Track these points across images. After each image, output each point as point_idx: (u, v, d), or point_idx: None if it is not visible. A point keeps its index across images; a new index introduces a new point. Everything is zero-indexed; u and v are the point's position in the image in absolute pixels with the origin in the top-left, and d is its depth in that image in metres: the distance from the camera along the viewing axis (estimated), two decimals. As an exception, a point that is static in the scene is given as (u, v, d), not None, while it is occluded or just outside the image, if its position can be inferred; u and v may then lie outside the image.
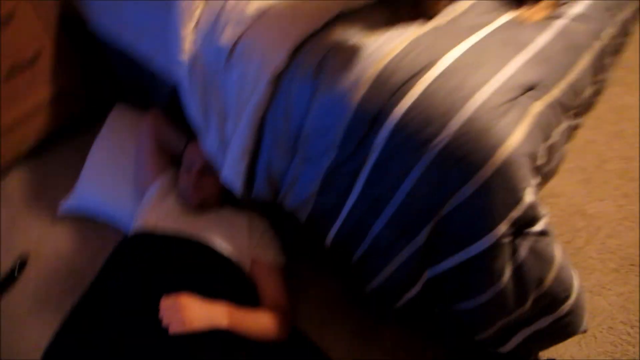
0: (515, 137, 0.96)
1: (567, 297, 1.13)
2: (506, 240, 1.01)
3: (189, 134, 1.51)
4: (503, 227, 0.98)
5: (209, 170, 1.43)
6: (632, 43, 1.87)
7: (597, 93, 1.42)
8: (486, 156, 0.94)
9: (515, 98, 0.99)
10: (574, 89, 1.12)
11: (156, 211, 1.46)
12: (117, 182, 1.66)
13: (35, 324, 1.47)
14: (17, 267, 1.57)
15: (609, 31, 1.29)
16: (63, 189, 1.75)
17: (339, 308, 1.52)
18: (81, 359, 1.15)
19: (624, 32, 1.44)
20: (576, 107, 1.18)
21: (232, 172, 1.31)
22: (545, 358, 1.42)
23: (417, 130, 0.98)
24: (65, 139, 1.91)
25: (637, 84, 2.28)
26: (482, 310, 1.13)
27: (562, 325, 1.21)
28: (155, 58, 1.49)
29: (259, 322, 1.26)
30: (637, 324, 1.56)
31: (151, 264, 1.27)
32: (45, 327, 1.45)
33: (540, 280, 1.09)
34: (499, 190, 0.95)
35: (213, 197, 1.48)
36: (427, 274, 1.19)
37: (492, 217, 0.98)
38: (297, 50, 1.10)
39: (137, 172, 1.63)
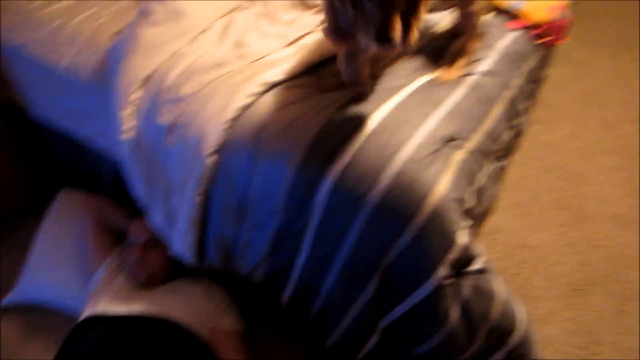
0: (441, 185, 1.04)
1: (513, 330, 1.19)
2: (447, 282, 1.07)
3: (135, 212, 1.52)
4: (442, 271, 1.05)
5: (154, 244, 1.44)
6: (549, 83, 2.07)
7: (517, 135, 1.55)
8: (417, 205, 1.02)
9: (438, 150, 1.08)
10: (491, 136, 1.24)
11: (106, 293, 1.44)
12: (65, 269, 1.63)
13: None
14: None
15: (517, 81, 1.43)
16: (8, 279, 1.69)
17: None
18: None
19: (532, 80, 1.59)
20: (496, 151, 1.29)
21: (182, 244, 1.33)
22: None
23: (353, 187, 1.04)
24: (8, 228, 1.87)
25: (557, 120, 2.49)
26: (437, 353, 1.17)
27: (515, 358, 1.27)
28: (97, 140, 1.53)
29: None
30: (589, 345, 1.63)
31: (106, 348, 1.25)
32: None
33: (485, 316, 1.14)
34: (433, 235, 1.02)
35: (161, 271, 1.48)
36: (382, 323, 1.23)
37: (431, 262, 1.04)
38: (233, 122, 1.16)
39: (83, 258, 1.61)
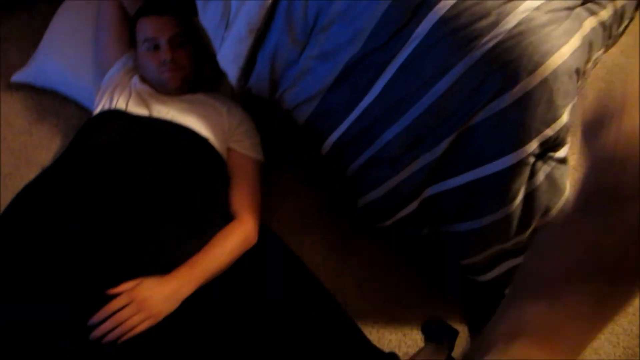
0: (565, 49, 0.88)
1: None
2: (531, 160, 0.96)
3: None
4: (533, 145, 0.93)
5: (181, 41, 1.27)
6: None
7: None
8: (533, 64, 0.87)
9: (574, 8, 0.91)
10: (619, 15, 1.06)
11: (122, 92, 1.29)
12: (80, 56, 1.45)
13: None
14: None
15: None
16: (19, 57, 1.52)
17: (318, 218, 1.45)
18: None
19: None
20: (610, 37, 1.12)
21: (232, 53, 1.16)
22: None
23: (467, 24, 0.87)
24: (25, 5, 1.64)
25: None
26: (482, 234, 1.09)
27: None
28: None
29: (226, 250, 1.10)
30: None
31: (123, 142, 1.13)
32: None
33: (547, 210, 1.06)
34: (540, 103, 0.89)
35: (191, 73, 1.31)
36: (429, 191, 1.13)
37: (526, 133, 0.92)
38: None
39: (99, 49, 1.43)
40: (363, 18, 0.97)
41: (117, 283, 0.93)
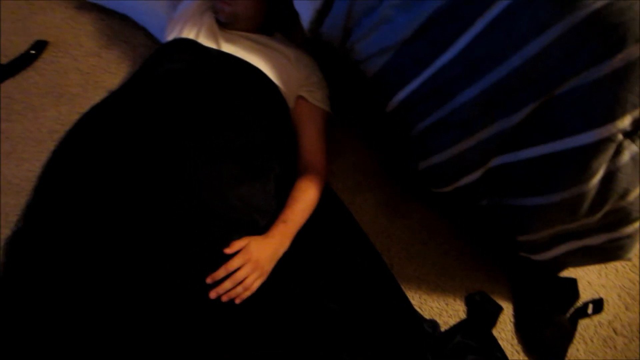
0: (682, 20, 0.80)
1: (637, 218, 1.06)
2: (619, 138, 0.89)
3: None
4: (626, 121, 0.86)
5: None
6: None
7: None
8: (642, 32, 0.79)
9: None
10: None
11: (193, 25, 1.28)
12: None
13: (48, 112, 1.33)
14: (35, 46, 1.39)
15: None
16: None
17: (373, 177, 1.43)
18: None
19: None
20: None
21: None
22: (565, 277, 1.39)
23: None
24: None
25: None
26: (549, 211, 1.04)
27: (614, 248, 1.15)
28: None
29: (308, 204, 1.12)
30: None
31: (192, 71, 1.12)
32: (60, 117, 1.32)
33: (625, 193, 0.99)
34: (642, 76, 0.82)
35: (247, 16, 1.27)
36: (497, 161, 1.08)
37: (619, 106, 0.85)
38: None
39: None
40: (457, -35, 0.91)
41: (174, 218, 0.92)
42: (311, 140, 1.24)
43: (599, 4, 0.80)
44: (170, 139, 1.01)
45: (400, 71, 1.12)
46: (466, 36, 0.96)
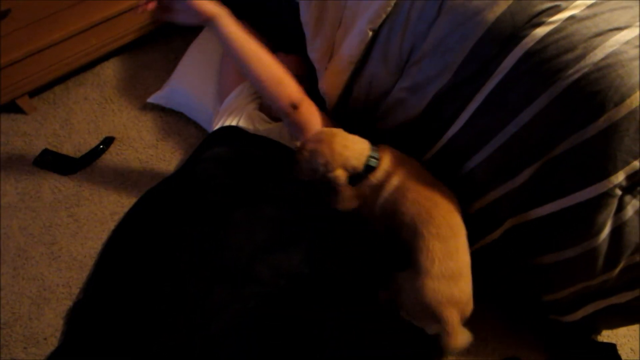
0: (657, 82, 0.90)
1: (657, 273, 1.08)
2: (617, 192, 0.96)
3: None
4: (620, 177, 0.93)
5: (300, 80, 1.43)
6: None
7: None
8: (622, 95, 0.89)
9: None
10: None
11: (238, 114, 1.47)
12: (204, 85, 1.68)
13: (111, 197, 1.54)
14: (104, 142, 1.63)
15: None
16: (154, 82, 1.79)
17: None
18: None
19: None
20: None
21: (332, 81, 1.30)
22: (604, 342, 1.36)
23: (554, 57, 0.93)
24: (165, 37, 1.94)
25: None
26: (566, 267, 1.08)
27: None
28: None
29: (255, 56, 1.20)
30: None
31: (237, 154, 1.28)
32: (120, 201, 1.51)
33: (636, 247, 1.03)
34: (628, 134, 0.90)
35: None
36: (511, 222, 1.15)
37: (612, 164, 0.92)
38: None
39: (221, 77, 1.65)
40: (453, 52, 1.05)
41: None
42: None
43: (576, 76, 0.91)
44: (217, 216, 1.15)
45: (414, 143, 1.25)
46: (470, 108, 1.08)
